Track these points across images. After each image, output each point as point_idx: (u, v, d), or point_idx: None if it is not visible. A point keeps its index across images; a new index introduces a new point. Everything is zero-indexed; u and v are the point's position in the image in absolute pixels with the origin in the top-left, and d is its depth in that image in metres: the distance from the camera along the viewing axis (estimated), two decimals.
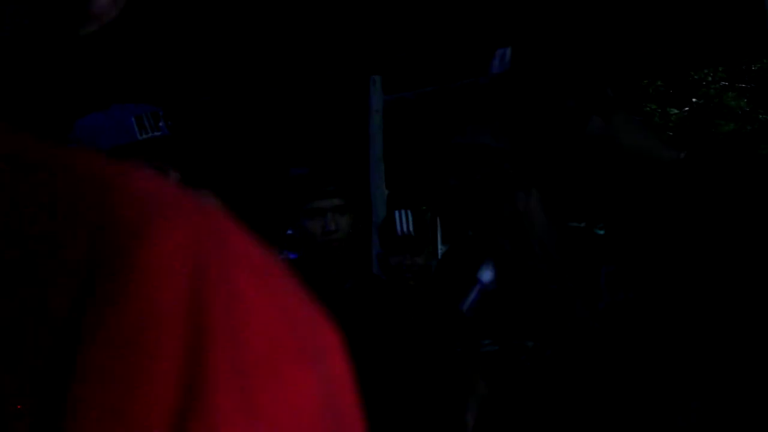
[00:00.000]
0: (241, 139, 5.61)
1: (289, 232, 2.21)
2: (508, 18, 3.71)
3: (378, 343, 2.07)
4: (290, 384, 0.34)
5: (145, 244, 0.33)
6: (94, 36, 0.45)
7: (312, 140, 5.82)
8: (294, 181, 2.17)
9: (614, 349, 1.24)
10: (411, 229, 2.30)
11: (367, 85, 4.24)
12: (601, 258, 1.33)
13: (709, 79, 10.97)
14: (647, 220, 1.33)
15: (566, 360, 1.46)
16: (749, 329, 1.19)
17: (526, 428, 1.57)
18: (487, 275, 1.36)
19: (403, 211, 2.39)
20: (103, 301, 0.32)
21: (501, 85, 1.40)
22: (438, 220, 15.71)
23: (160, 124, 1.53)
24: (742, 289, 1.21)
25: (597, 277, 1.30)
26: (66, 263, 0.32)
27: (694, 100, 10.96)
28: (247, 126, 5.45)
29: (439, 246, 16.67)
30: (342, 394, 0.37)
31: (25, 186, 0.34)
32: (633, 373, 1.21)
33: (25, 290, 0.32)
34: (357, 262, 2.54)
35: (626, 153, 1.32)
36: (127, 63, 3.70)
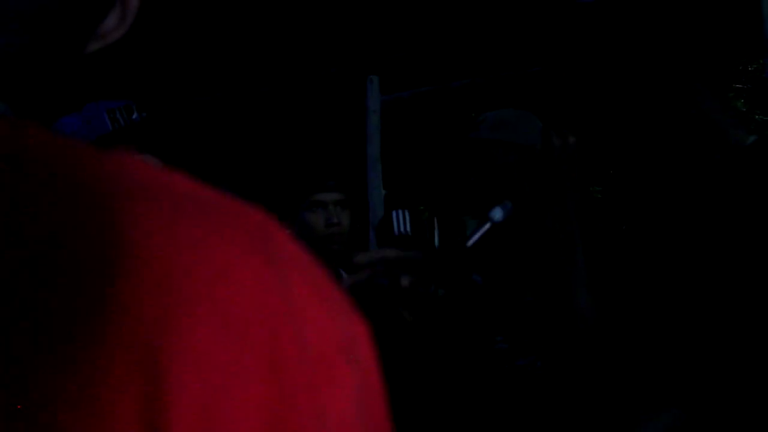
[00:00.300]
0: (240, 139, 5.61)
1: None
2: (504, 19, 3.72)
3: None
4: (339, 377, 0.36)
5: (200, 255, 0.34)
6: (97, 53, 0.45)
7: (310, 140, 5.82)
8: (294, 176, 2.18)
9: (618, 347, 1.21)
10: (408, 229, 2.30)
11: (365, 85, 4.24)
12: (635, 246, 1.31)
13: None
14: (705, 206, 1.31)
15: (564, 359, 1.43)
16: None
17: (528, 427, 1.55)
18: (498, 214, 1.30)
19: (400, 211, 2.39)
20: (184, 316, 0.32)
21: (589, 13, 1.38)
22: (435, 220, 15.69)
23: (134, 116, 1.53)
24: None
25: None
26: (66, 263, 0.32)
27: None
28: (245, 126, 5.45)
29: (436, 246, 16.65)
30: (371, 383, 0.39)
31: (25, 186, 0.34)
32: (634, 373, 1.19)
33: (25, 290, 0.32)
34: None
35: (705, 121, 1.29)
36: (126, 63, 3.70)
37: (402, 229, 2.31)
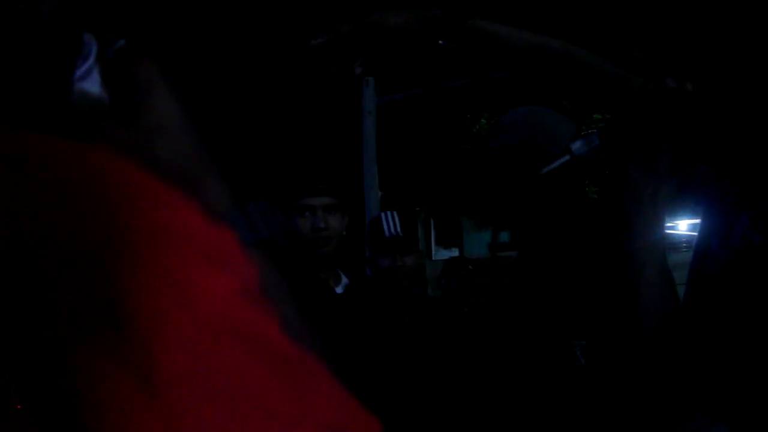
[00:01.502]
0: (235, 141, 5.61)
1: None
2: (501, 18, 3.72)
3: (372, 346, 2.07)
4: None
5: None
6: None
7: (306, 142, 5.82)
8: (286, 180, 2.17)
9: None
10: (398, 229, 2.30)
11: (360, 87, 4.24)
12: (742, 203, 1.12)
13: None
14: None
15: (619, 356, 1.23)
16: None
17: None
18: (580, 146, 1.12)
19: (389, 213, 2.39)
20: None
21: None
22: (432, 220, 15.62)
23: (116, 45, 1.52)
24: None
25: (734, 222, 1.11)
26: (65, 262, 0.34)
27: None
28: (242, 127, 5.45)
29: (433, 246, 16.50)
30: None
31: (25, 186, 0.36)
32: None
33: (25, 287, 0.33)
34: (350, 265, 2.55)
35: None
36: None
37: (392, 230, 2.31)
